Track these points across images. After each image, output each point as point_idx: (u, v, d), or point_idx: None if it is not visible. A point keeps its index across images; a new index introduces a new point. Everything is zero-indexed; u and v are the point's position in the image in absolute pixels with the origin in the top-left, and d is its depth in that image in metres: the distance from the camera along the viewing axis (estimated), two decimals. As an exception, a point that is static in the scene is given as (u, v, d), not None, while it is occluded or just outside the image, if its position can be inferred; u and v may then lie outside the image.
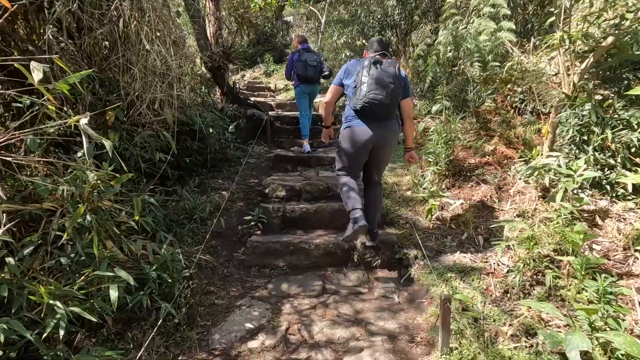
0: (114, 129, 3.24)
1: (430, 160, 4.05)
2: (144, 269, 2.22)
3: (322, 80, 5.66)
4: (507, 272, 2.55)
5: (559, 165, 3.02)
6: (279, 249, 3.10)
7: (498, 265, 2.63)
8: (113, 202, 2.36)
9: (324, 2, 11.26)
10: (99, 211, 2.16)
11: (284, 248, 3.10)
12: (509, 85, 5.07)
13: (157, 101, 3.07)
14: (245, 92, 9.22)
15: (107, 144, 1.53)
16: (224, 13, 10.81)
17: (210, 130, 4.58)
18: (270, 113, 7.00)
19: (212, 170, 4.68)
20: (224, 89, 6.28)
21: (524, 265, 2.36)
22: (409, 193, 3.95)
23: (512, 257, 2.61)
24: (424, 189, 3.82)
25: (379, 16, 9.75)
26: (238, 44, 13.19)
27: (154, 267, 2.22)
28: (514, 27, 5.37)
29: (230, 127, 5.51)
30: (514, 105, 5.09)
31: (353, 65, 2.80)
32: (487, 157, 4.26)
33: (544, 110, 4.90)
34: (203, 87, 5.70)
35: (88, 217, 1.89)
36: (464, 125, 4.88)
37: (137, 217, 2.07)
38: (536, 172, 3.04)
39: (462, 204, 3.63)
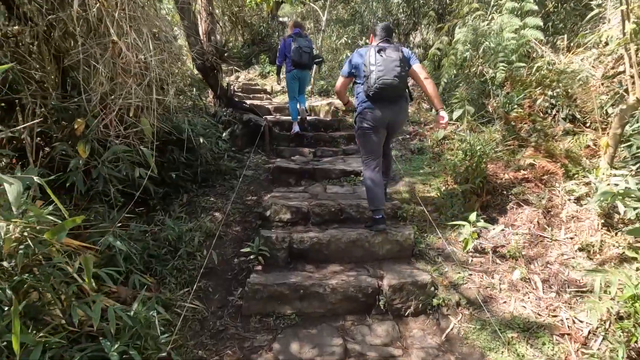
0: (84, 139, 2.61)
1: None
2: (104, 345, 1.57)
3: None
4: (589, 333, 1.95)
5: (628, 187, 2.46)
6: (286, 293, 2.47)
7: (574, 322, 2.04)
8: (65, 245, 1.73)
9: (323, 0, 10.67)
10: (38, 266, 1.53)
11: (292, 292, 2.47)
12: (538, 89, 4.51)
13: (132, 108, 2.43)
14: (240, 94, 8.56)
15: (13, 189, 0.90)
16: (217, 11, 10.15)
17: (201, 140, 3.93)
18: (267, 117, 6.36)
19: (203, 186, 4.04)
20: (217, 92, 5.63)
21: (625, 334, 1.76)
22: (436, 215, 3.35)
23: (592, 312, 2.01)
24: (452, 213, 3.22)
25: (380, 15, 9.23)
26: (232, 44, 12.55)
27: (117, 345, 1.57)
28: (541, 23, 4.82)
29: (224, 134, 4.86)
30: (544, 110, 4.52)
31: (361, 56, 2.92)
32: (522, 171, 3.68)
33: (579, 116, 4.36)
34: (194, 90, 5.06)
35: (8, 291, 1.25)
36: (491, 133, 4.29)
37: (87, 281, 1.43)
38: (610, 197, 2.45)
39: (502, 230, 3.04)
